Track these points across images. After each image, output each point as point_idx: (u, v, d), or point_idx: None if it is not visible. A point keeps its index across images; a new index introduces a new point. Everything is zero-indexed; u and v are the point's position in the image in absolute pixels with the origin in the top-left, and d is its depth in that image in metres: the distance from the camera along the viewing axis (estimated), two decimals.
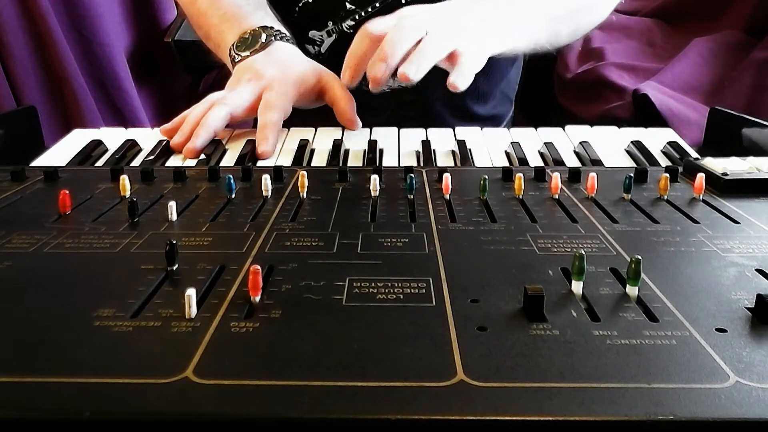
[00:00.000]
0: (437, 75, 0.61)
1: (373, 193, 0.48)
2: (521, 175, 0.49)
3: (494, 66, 0.74)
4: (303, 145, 0.65)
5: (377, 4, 0.83)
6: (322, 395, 0.24)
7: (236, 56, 0.72)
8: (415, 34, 0.59)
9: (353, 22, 0.83)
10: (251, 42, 0.72)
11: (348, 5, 0.84)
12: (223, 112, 0.66)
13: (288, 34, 0.76)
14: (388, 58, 0.58)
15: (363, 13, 0.83)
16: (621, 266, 0.36)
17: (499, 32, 0.69)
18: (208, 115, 0.65)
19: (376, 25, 0.62)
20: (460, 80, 0.59)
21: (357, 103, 0.73)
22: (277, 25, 0.75)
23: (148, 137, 0.69)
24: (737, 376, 0.26)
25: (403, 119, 0.67)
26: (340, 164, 0.62)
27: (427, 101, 0.89)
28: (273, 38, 0.73)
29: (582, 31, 0.86)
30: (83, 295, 0.33)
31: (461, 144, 0.66)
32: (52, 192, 0.49)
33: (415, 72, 0.58)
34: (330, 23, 0.85)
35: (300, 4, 0.86)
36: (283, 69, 0.70)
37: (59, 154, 0.66)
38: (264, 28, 0.73)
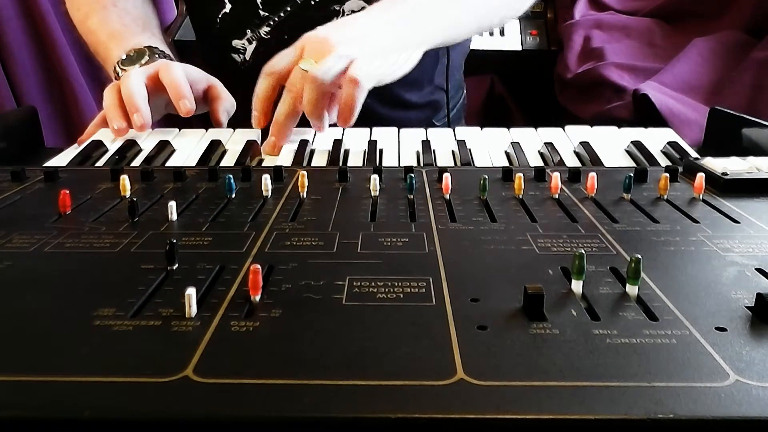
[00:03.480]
0: None
1: (373, 193, 0.48)
2: (521, 175, 0.49)
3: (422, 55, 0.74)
4: (303, 145, 0.65)
5: (288, 8, 0.84)
6: (322, 395, 0.24)
7: (120, 72, 0.75)
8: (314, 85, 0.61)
9: (269, 28, 0.85)
10: (135, 59, 0.75)
11: (261, 12, 0.85)
12: (135, 78, 0.68)
13: (171, 55, 0.79)
14: (279, 124, 0.63)
15: (276, 19, 0.84)
16: (621, 266, 0.36)
17: (399, 45, 0.70)
18: (127, 90, 0.67)
19: (274, 64, 0.66)
20: (343, 122, 0.63)
21: None
22: (162, 46, 0.78)
23: (148, 137, 0.69)
24: (737, 374, 0.26)
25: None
26: (340, 164, 0.62)
27: None
28: (156, 56, 0.76)
29: (507, 21, 0.91)
30: (83, 295, 0.33)
31: (461, 144, 0.66)
32: (52, 192, 0.49)
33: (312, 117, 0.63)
34: (248, 31, 0.86)
35: (219, 16, 0.87)
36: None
37: (59, 154, 0.66)
38: (149, 47, 0.77)
